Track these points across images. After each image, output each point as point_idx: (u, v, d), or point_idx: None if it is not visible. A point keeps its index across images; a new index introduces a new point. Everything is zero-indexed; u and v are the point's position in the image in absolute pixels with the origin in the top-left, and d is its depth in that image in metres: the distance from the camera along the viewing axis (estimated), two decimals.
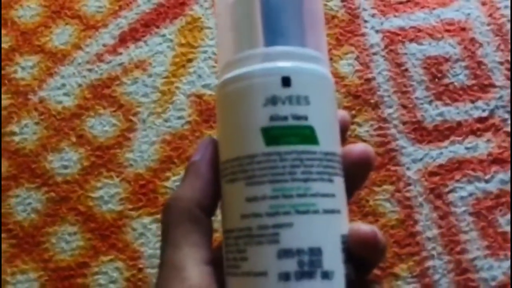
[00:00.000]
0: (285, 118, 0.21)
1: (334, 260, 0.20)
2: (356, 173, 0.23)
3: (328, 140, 0.22)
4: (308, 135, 0.21)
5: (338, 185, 0.22)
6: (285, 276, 0.20)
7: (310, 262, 0.20)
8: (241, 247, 0.21)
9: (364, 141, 0.47)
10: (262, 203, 0.20)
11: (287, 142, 0.21)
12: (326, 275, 0.20)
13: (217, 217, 0.23)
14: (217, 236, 0.24)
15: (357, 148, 0.23)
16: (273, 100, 0.21)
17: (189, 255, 0.21)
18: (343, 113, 0.24)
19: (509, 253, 0.42)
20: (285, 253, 0.20)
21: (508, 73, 0.49)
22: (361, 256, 0.21)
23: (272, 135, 0.21)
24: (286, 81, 0.21)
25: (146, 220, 0.46)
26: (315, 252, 0.20)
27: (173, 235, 0.22)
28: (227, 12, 0.23)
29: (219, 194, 0.23)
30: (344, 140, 0.24)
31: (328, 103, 0.22)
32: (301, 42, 0.22)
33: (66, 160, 0.48)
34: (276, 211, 0.20)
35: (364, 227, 0.21)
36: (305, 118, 0.21)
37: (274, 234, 0.20)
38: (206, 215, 0.23)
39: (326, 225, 0.21)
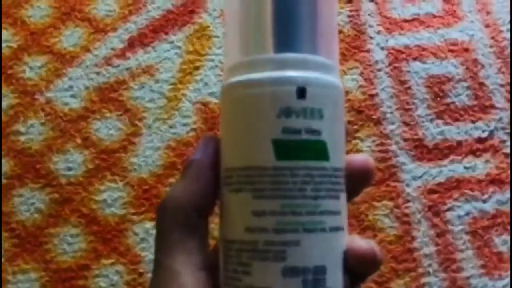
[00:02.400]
0: (299, 131, 0.20)
1: (336, 277, 0.20)
2: (355, 184, 0.22)
3: (338, 156, 0.21)
4: (320, 151, 0.20)
5: (343, 201, 0.21)
6: None
7: (314, 281, 0.20)
8: (244, 260, 0.20)
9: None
10: (270, 219, 0.20)
11: (299, 157, 0.20)
12: None
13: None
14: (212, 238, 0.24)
15: (359, 159, 0.22)
16: (287, 112, 0.20)
17: (184, 262, 0.21)
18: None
19: (503, 273, 0.43)
20: (290, 271, 0.19)
21: (509, 95, 0.50)
22: (359, 270, 0.21)
23: (284, 149, 0.20)
24: (301, 93, 0.20)
25: (148, 225, 0.46)
26: (320, 271, 0.20)
27: (168, 240, 0.21)
28: (236, 9, 0.22)
29: (217, 197, 0.22)
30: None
31: (339, 116, 0.21)
32: (313, 49, 0.21)
33: (70, 162, 0.49)
34: (284, 228, 0.20)
35: (362, 243, 0.21)
36: (319, 133, 0.20)
37: (281, 252, 0.20)
38: (203, 219, 0.22)
39: (331, 243, 0.20)
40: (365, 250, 0.21)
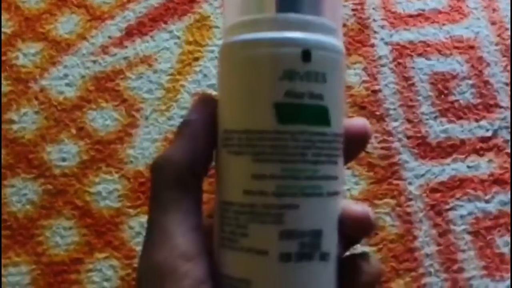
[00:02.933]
0: (301, 95, 0.20)
1: (331, 241, 0.21)
2: (353, 148, 0.23)
3: (338, 121, 0.21)
4: (322, 116, 0.20)
5: (340, 166, 0.22)
6: (286, 257, 0.20)
7: (310, 244, 0.20)
8: (242, 223, 0.20)
9: (367, 153, 0.47)
10: (270, 182, 0.20)
11: (301, 122, 0.20)
12: (323, 257, 0.20)
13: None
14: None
15: (356, 123, 0.23)
16: (290, 75, 0.20)
17: (178, 222, 0.21)
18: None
19: (505, 275, 0.43)
20: (288, 234, 0.20)
21: None
22: (352, 234, 0.22)
23: (286, 113, 0.20)
24: (306, 55, 0.20)
25: (144, 219, 0.45)
26: (316, 235, 0.20)
27: (162, 199, 0.21)
28: None
29: (211, 158, 0.22)
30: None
31: (341, 81, 0.21)
32: (317, 11, 0.21)
33: (64, 152, 0.48)
34: (283, 192, 0.20)
35: (357, 207, 0.21)
36: (321, 97, 0.20)
37: (279, 215, 0.20)
38: (197, 180, 0.22)
39: (328, 208, 0.21)
40: (360, 214, 0.21)
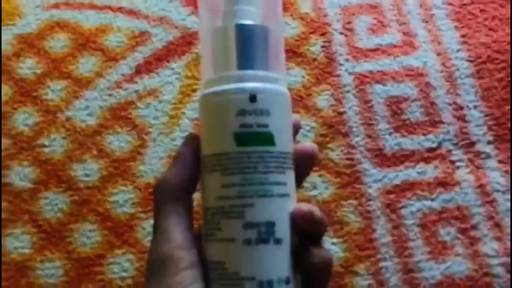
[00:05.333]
0: (251, 126, 0.27)
1: (283, 230, 0.27)
2: (303, 166, 0.29)
3: (283, 143, 0.27)
4: (268, 139, 0.27)
5: (289, 176, 0.28)
6: (248, 242, 0.26)
7: (266, 232, 0.26)
8: (216, 220, 0.27)
9: (336, 163, 0.58)
10: (233, 189, 0.26)
11: (253, 144, 0.27)
12: (277, 241, 0.26)
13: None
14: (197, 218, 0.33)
15: (306, 146, 0.29)
16: (242, 112, 0.27)
17: (175, 223, 0.27)
18: (296, 118, 0.30)
19: (446, 258, 0.53)
20: (248, 225, 0.26)
21: (455, 112, 0.60)
22: (303, 228, 0.27)
23: (242, 139, 0.26)
24: (252, 98, 0.27)
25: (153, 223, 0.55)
26: (270, 225, 0.26)
27: (162, 209, 0.27)
28: (209, 39, 0.29)
29: (198, 178, 0.28)
30: (295, 138, 0.30)
31: (284, 114, 0.28)
32: (265, 67, 0.28)
33: (88, 170, 0.58)
34: (242, 195, 0.26)
35: (303, 206, 0.27)
36: (266, 126, 0.27)
37: (241, 212, 0.26)
38: (188, 195, 0.28)
39: (278, 205, 0.27)
40: (304, 211, 0.27)
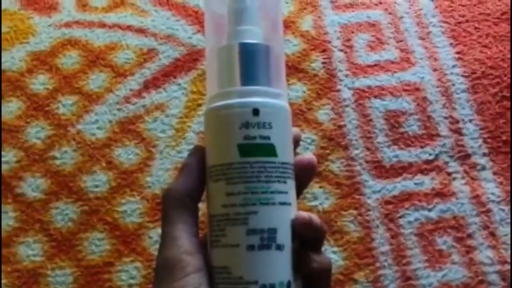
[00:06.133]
0: (254, 137, 0.28)
1: (285, 237, 0.28)
2: (304, 176, 0.30)
3: (285, 154, 0.29)
4: (270, 150, 0.28)
5: (290, 185, 0.29)
6: (251, 247, 0.27)
7: (268, 238, 0.27)
8: (222, 227, 0.28)
9: (336, 175, 0.60)
10: (237, 197, 0.27)
11: (255, 155, 0.28)
12: (278, 247, 0.27)
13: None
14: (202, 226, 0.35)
15: (305, 157, 0.30)
16: (246, 125, 0.28)
17: (182, 229, 0.28)
18: (296, 131, 0.31)
19: (442, 266, 0.54)
20: (251, 231, 0.27)
21: (451, 125, 0.62)
22: (303, 234, 0.28)
23: (245, 150, 0.28)
24: (255, 112, 0.28)
25: (160, 230, 0.57)
26: (272, 231, 0.27)
27: (169, 216, 0.28)
28: (214, 57, 0.31)
29: (204, 188, 0.29)
30: (295, 150, 0.31)
31: (285, 126, 0.29)
32: (267, 83, 0.29)
33: (97, 181, 0.60)
34: (246, 203, 0.27)
35: (303, 214, 0.28)
36: (269, 138, 0.28)
37: (245, 218, 0.27)
38: (194, 203, 0.29)
39: (280, 213, 0.28)
40: (304, 218, 0.28)
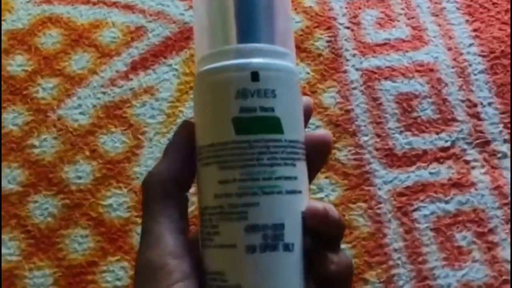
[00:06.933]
0: (254, 109, 0.23)
1: (294, 234, 0.23)
2: (316, 156, 0.25)
3: (292, 129, 0.24)
4: (274, 125, 0.23)
5: (300, 168, 0.24)
6: (251, 248, 0.22)
7: (273, 236, 0.22)
8: (214, 223, 0.23)
9: (343, 164, 0.54)
10: (233, 185, 0.22)
11: (255, 132, 0.23)
12: (287, 247, 0.22)
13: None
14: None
15: (318, 133, 0.25)
16: (243, 93, 0.23)
17: (166, 225, 0.23)
18: (307, 100, 0.26)
19: (462, 264, 0.49)
20: (251, 228, 0.22)
21: (468, 109, 0.57)
22: (317, 230, 0.23)
23: (242, 125, 0.23)
24: (255, 76, 0.23)
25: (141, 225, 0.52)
26: (278, 227, 0.22)
27: (151, 209, 0.24)
28: (204, 9, 0.25)
29: (193, 171, 0.24)
30: (306, 124, 0.26)
31: (293, 95, 0.24)
32: (270, 39, 0.24)
33: (80, 172, 0.55)
34: (244, 192, 0.22)
35: (316, 204, 0.23)
36: (272, 109, 0.23)
37: (243, 212, 0.22)
38: (181, 190, 0.24)
39: (288, 204, 0.23)
40: (319, 210, 0.23)
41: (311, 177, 0.25)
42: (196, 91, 0.24)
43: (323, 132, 0.26)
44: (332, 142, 0.26)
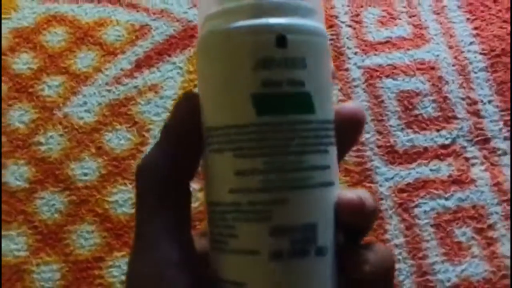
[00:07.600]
0: (280, 83, 0.18)
1: (327, 234, 0.19)
2: (345, 136, 0.20)
3: (325, 107, 0.19)
4: (305, 103, 0.19)
5: (332, 155, 0.20)
6: (277, 255, 0.18)
7: (304, 239, 0.18)
8: (229, 223, 0.19)
9: (344, 161, 0.55)
10: (254, 178, 0.18)
11: (281, 112, 0.18)
12: (319, 251, 0.19)
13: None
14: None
15: (348, 107, 0.21)
16: (265, 63, 0.18)
17: (163, 226, 0.19)
18: (332, 69, 0.21)
19: (462, 259, 0.50)
20: (278, 231, 0.18)
21: (468, 107, 0.58)
22: (350, 223, 0.19)
23: (265, 104, 0.18)
24: (281, 41, 0.18)
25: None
26: (310, 229, 0.19)
27: (147, 207, 0.20)
28: None
29: (197, 157, 0.20)
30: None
31: (325, 65, 0.19)
32: None
33: (86, 168, 0.56)
34: (268, 187, 0.18)
35: (350, 196, 0.19)
36: (302, 84, 0.18)
37: (266, 211, 0.18)
38: (182, 184, 0.20)
39: (321, 199, 0.19)
40: (354, 201, 0.19)
41: (338, 161, 0.21)
42: (201, 58, 0.20)
43: (355, 106, 0.21)
44: (365, 116, 0.22)
